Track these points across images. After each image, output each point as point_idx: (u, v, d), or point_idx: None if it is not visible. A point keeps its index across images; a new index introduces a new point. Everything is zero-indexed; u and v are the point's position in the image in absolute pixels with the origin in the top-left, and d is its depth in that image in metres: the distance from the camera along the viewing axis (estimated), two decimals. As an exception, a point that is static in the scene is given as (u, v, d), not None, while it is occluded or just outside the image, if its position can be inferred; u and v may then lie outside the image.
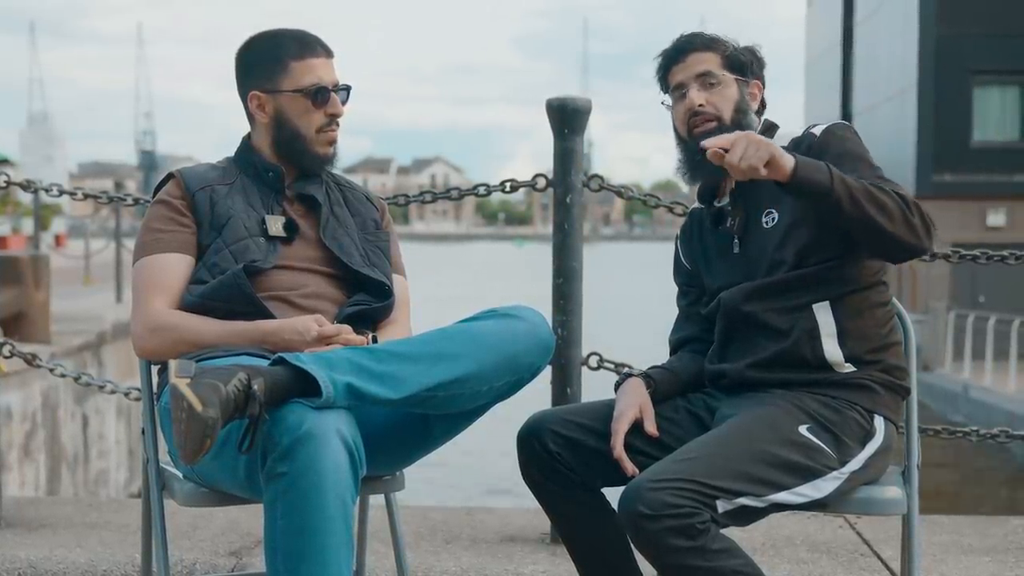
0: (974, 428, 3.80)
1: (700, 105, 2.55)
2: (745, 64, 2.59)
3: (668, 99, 2.62)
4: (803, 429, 2.37)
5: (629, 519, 2.22)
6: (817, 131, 2.51)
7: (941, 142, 25.91)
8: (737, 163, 2.26)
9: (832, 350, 2.46)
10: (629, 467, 2.44)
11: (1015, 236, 24.13)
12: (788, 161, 2.28)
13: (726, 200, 2.61)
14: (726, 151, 2.27)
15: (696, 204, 2.72)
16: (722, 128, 2.52)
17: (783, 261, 2.48)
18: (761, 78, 2.63)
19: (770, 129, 2.60)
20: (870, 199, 2.29)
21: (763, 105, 2.64)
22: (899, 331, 2.57)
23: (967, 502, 14.02)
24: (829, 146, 2.46)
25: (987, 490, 15.45)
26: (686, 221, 2.76)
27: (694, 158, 2.55)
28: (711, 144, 2.28)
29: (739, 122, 2.55)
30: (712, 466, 2.25)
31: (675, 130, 2.62)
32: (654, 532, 2.18)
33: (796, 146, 2.50)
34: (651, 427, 2.51)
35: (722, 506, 2.23)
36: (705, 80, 2.56)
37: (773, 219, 2.50)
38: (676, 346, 2.74)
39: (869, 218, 2.29)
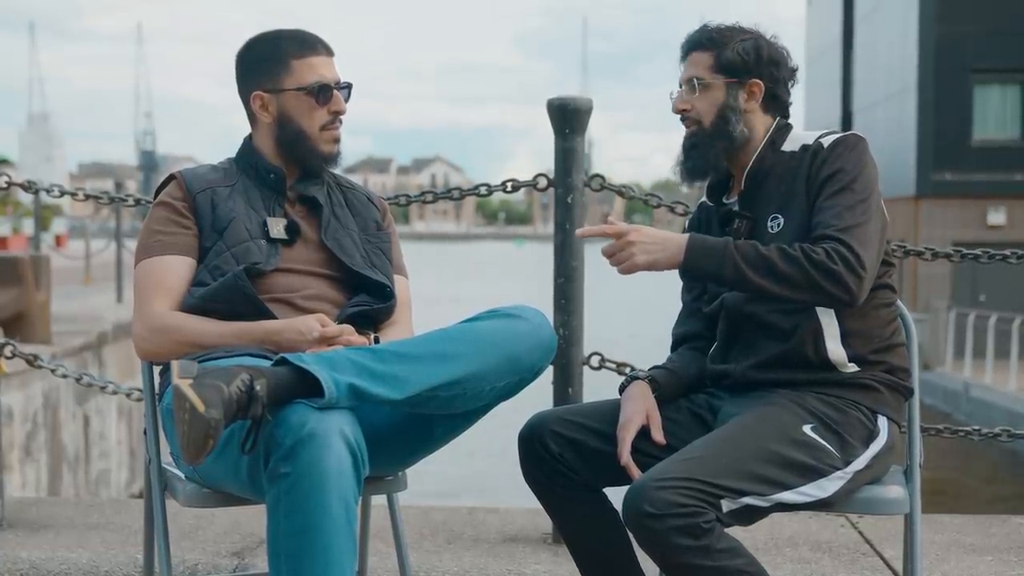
0: (976, 427, 3.79)
1: (683, 110, 2.57)
2: (738, 65, 2.54)
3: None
4: (807, 428, 2.37)
5: (634, 518, 2.21)
6: (826, 142, 2.49)
7: (941, 140, 25.90)
8: (616, 267, 2.43)
9: (835, 350, 2.46)
10: (636, 473, 2.41)
11: (1016, 235, 24.15)
12: (669, 261, 2.41)
13: (734, 200, 2.60)
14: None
15: (704, 199, 2.71)
16: (701, 132, 2.55)
17: None
18: (765, 76, 2.55)
19: (783, 130, 2.57)
20: (768, 272, 2.37)
21: (776, 101, 2.57)
22: (903, 332, 2.56)
23: (968, 502, 14.01)
24: (827, 162, 2.46)
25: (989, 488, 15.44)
26: (695, 214, 2.74)
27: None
28: (603, 246, 2.45)
29: (719, 128, 2.53)
30: (717, 465, 2.25)
31: None
32: (659, 531, 2.18)
33: (804, 152, 2.50)
34: (658, 435, 2.49)
35: (727, 505, 2.23)
36: (691, 84, 2.57)
37: (779, 224, 2.49)
38: (678, 341, 2.74)
39: (767, 289, 2.39)
